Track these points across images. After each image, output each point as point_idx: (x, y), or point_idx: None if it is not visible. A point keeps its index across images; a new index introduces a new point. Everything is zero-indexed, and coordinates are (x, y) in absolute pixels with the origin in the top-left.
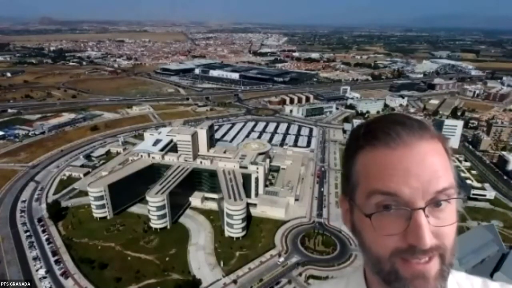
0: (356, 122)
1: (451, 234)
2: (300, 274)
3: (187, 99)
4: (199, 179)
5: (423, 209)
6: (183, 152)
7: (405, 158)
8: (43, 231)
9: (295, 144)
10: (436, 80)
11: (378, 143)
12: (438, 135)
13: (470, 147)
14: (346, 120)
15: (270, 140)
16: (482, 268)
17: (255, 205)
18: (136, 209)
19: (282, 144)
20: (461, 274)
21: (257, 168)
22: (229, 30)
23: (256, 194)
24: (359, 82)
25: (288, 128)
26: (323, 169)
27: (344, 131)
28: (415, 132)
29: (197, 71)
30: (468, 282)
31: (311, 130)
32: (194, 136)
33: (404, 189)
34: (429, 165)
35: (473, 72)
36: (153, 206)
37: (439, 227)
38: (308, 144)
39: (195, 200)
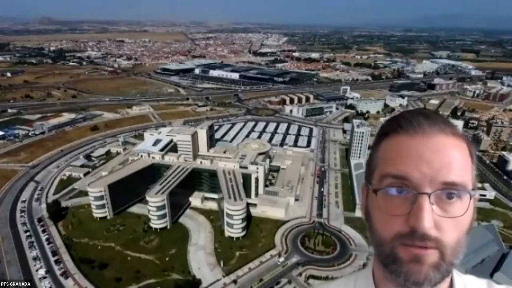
0: (356, 122)
1: (457, 231)
2: (300, 274)
3: (187, 99)
4: (199, 179)
5: (429, 195)
6: (183, 152)
7: (421, 145)
8: (43, 231)
9: (295, 144)
10: (436, 80)
11: (400, 130)
12: (465, 137)
13: None
14: (346, 120)
15: (270, 140)
16: (482, 268)
17: (255, 205)
18: (136, 209)
19: (282, 144)
20: (468, 276)
21: (257, 168)
22: (229, 30)
23: (256, 194)
24: (359, 82)
25: (288, 128)
26: (323, 169)
27: (344, 131)
28: (437, 124)
29: (197, 71)
30: (474, 285)
31: (311, 130)
32: (194, 136)
33: (414, 173)
34: (443, 155)
35: (473, 72)
36: (153, 206)
37: (443, 217)
38: (308, 144)
39: (195, 200)
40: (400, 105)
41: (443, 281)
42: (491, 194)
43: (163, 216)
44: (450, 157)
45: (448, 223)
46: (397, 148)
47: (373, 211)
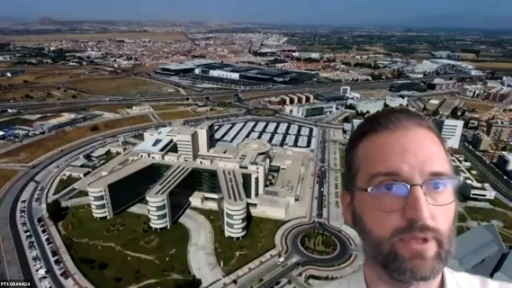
0: (356, 122)
1: (447, 220)
2: (300, 274)
3: (187, 99)
4: (199, 179)
5: (421, 186)
6: (183, 152)
7: (403, 138)
8: (43, 231)
9: (295, 144)
10: (436, 80)
11: (379, 127)
12: (436, 130)
13: (470, 147)
14: (346, 120)
15: (270, 140)
16: (482, 268)
17: (255, 205)
18: (136, 209)
19: (282, 144)
20: (461, 274)
21: (257, 168)
22: (229, 30)
23: (256, 194)
24: (359, 82)
25: (288, 128)
26: (323, 169)
27: (344, 131)
28: (414, 119)
29: (197, 71)
30: (467, 282)
31: (311, 130)
32: (194, 136)
33: (403, 167)
34: (425, 147)
35: (473, 72)
36: (153, 206)
37: (436, 205)
38: (308, 144)
39: (195, 200)
40: (400, 105)
41: (435, 277)
42: (491, 194)
43: (163, 216)
44: (431, 148)
45: (440, 212)
46: (381, 145)
47: (365, 212)
